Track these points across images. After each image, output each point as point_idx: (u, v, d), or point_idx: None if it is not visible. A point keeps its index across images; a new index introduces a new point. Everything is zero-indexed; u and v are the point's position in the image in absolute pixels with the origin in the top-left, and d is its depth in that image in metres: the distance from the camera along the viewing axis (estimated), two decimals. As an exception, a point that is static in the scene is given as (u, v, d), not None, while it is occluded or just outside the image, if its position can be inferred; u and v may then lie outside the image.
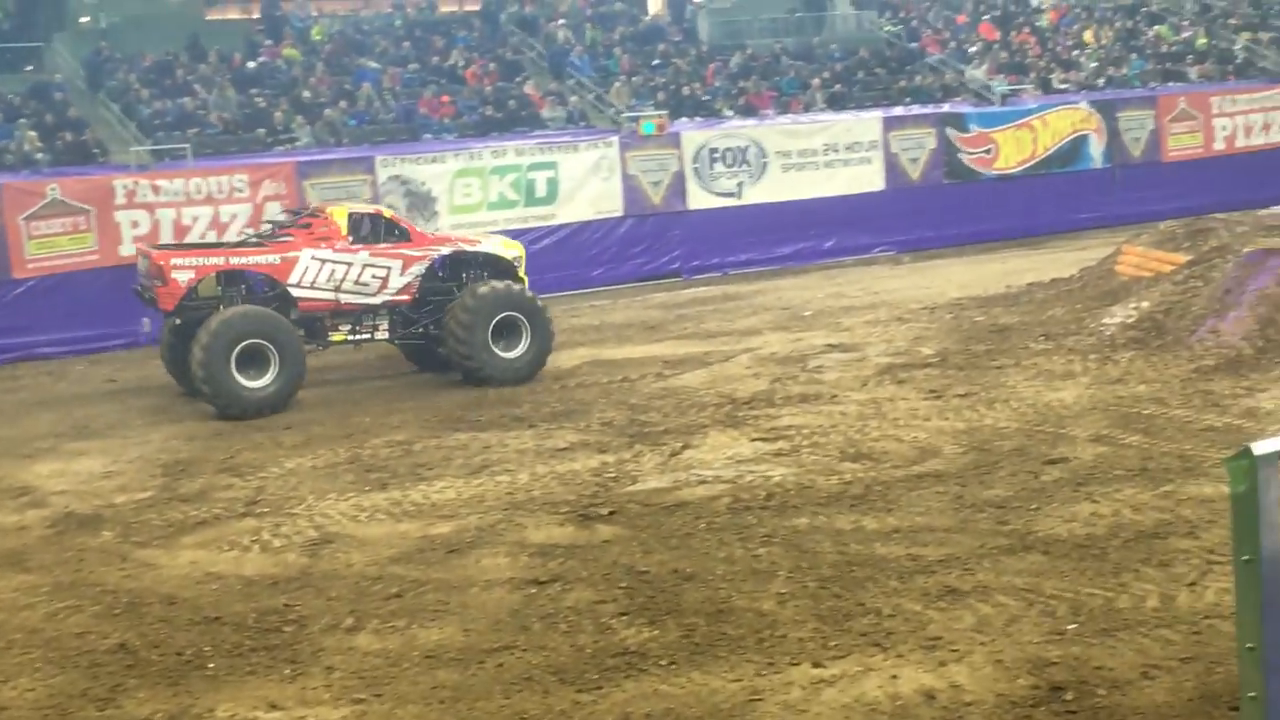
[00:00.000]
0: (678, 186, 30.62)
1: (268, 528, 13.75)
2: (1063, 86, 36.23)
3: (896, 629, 10.03)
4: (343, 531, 13.51)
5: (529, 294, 21.05)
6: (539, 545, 12.65)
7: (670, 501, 13.84)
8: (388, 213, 21.84)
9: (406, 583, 11.79)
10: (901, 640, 9.81)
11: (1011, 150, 34.07)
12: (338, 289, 20.32)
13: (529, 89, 32.52)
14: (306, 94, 30.95)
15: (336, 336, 20.72)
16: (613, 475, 15.03)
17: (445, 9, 38.77)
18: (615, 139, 30.22)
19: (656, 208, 30.53)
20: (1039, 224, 33.72)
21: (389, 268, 20.56)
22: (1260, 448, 3.51)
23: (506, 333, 20.52)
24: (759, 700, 8.97)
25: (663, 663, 9.67)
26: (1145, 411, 16.31)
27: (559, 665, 9.74)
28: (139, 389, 22.17)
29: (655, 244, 30.64)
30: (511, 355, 20.52)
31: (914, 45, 37.47)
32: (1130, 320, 20.85)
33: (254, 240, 21.77)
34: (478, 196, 28.53)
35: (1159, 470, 13.82)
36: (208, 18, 36.34)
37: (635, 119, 30.66)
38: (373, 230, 20.77)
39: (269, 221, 23.70)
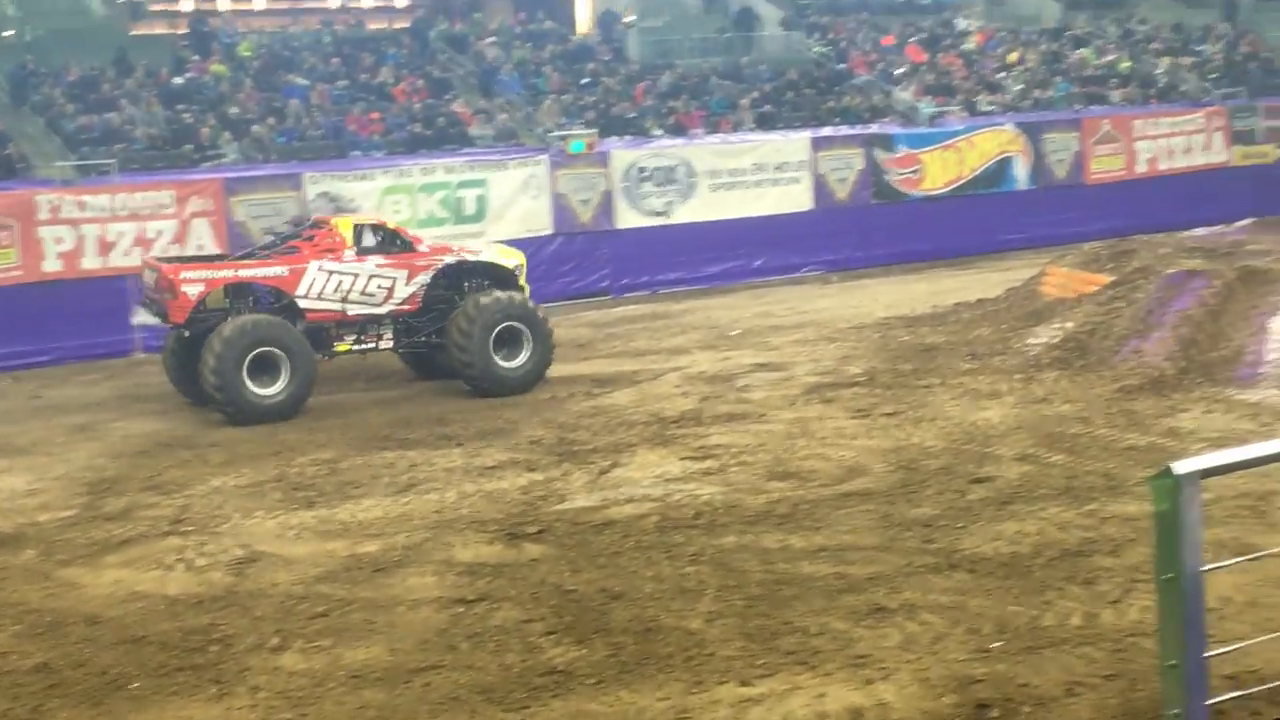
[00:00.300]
0: (607, 205, 30.65)
1: (193, 546, 13.63)
2: (989, 109, 36.56)
3: (823, 647, 10.05)
4: (268, 550, 13.41)
5: (530, 304, 21.33)
6: (466, 564, 12.61)
7: (598, 520, 13.83)
8: (391, 223, 22.22)
9: (333, 602, 11.71)
10: (828, 659, 9.83)
11: (938, 171, 34.32)
12: (345, 300, 20.63)
13: (458, 107, 32.48)
14: (234, 110, 30.77)
15: (342, 347, 21.03)
16: (541, 494, 15.01)
17: (374, 26, 38.68)
18: (544, 157, 30.21)
19: (585, 226, 30.54)
20: (965, 244, 33.94)
21: (394, 278, 20.87)
22: (1182, 467, 3.54)
23: (508, 342, 20.79)
24: (687, 719, 8.97)
25: (590, 682, 9.66)
26: (1070, 431, 16.46)
27: (486, 685, 9.70)
28: (64, 406, 21.96)
29: (584, 262, 30.63)
30: (513, 365, 20.81)
31: (842, 66, 37.69)
32: (1055, 340, 21.04)
33: (259, 252, 21.86)
34: (406, 214, 28.42)
35: (1083, 489, 13.94)
36: (134, 32, 36.02)
37: (564, 137, 30.66)
38: (377, 241, 21.13)
39: (271, 233, 23.84)
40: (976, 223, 34.34)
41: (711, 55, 37.02)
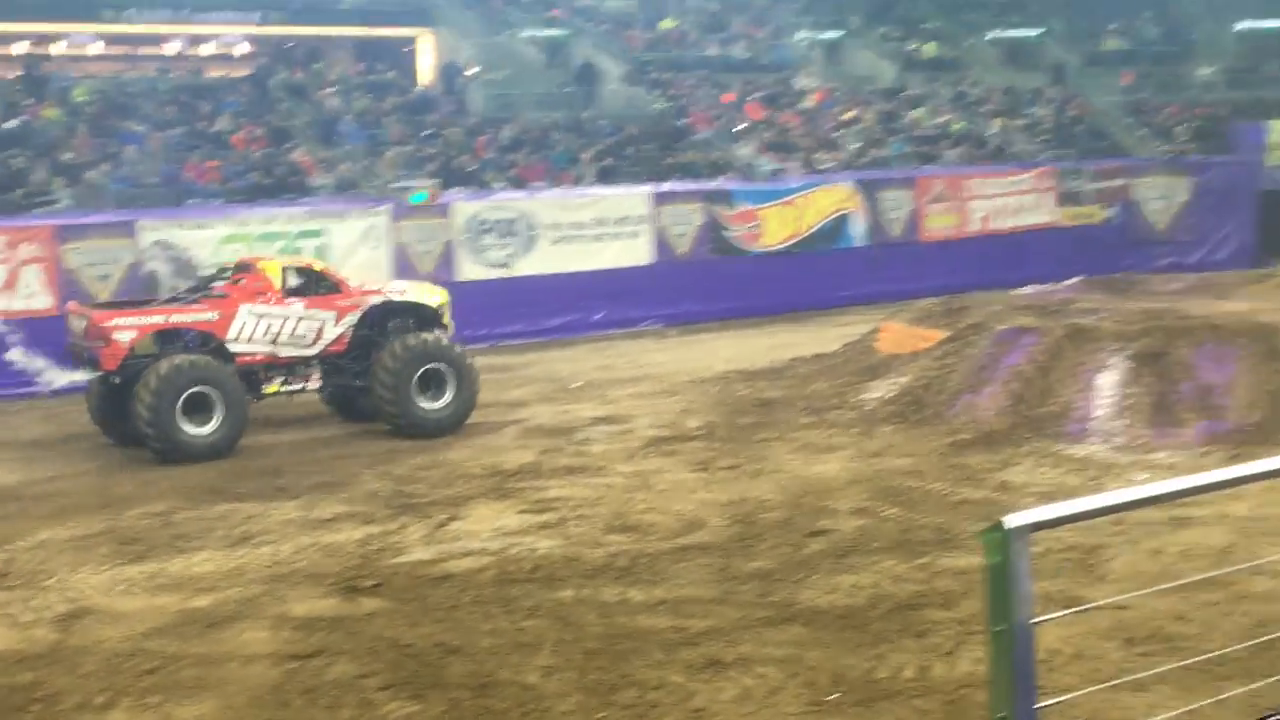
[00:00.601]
0: (447, 257, 30.51)
1: (16, 601, 13.28)
2: (826, 166, 37.05)
3: (661, 701, 10.06)
4: (96, 605, 13.11)
5: (454, 346, 21.51)
6: (301, 618, 12.43)
7: (436, 573, 13.73)
8: (318, 265, 22.58)
9: (163, 658, 11.47)
10: (665, 712, 9.84)
11: (776, 227, 34.68)
12: (275, 342, 20.80)
13: (298, 156, 32.20)
14: (68, 155, 30.20)
15: (270, 389, 21.09)
16: (377, 547, 14.86)
17: (213, 73, 38.26)
18: (385, 208, 30.03)
19: (426, 277, 30.35)
20: (803, 300, 34.28)
21: (324, 319, 21.08)
22: (1013, 520, 3.60)
23: (432, 384, 21.00)
24: (523, 774, 8.92)
25: (426, 737, 9.56)
26: (904, 484, 16.68)
27: (320, 741, 9.56)
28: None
29: (424, 314, 30.44)
30: (436, 406, 21.00)
31: (683, 122, 37.99)
32: (890, 395, 21.34)
33: (185, 297, 21.77)
34: (243, 263, 28.08)
35: (917, 542, 14.13)
36: (-36, 75, 35.28)
37: (405, 188, 30.51)
38: (305, 283, 21.23)
39: (198, 276, 23.69)
40: (814, 279, 34.72)
41: (553, 109, 37.12)
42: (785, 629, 11.60)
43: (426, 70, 40.39)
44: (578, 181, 33.70)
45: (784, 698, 10.06)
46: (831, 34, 45.89)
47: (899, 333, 24.24)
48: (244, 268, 21.73)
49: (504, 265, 31.22)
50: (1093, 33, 48.72)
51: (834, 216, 35.53)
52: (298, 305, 20.96)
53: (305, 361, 21.17)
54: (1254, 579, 12.21)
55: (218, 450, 19.75)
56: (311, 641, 11.74)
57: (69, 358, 21.01)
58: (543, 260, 31.57)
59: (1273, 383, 19.48)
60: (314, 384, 21.48)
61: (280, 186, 30.76)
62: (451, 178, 32.14)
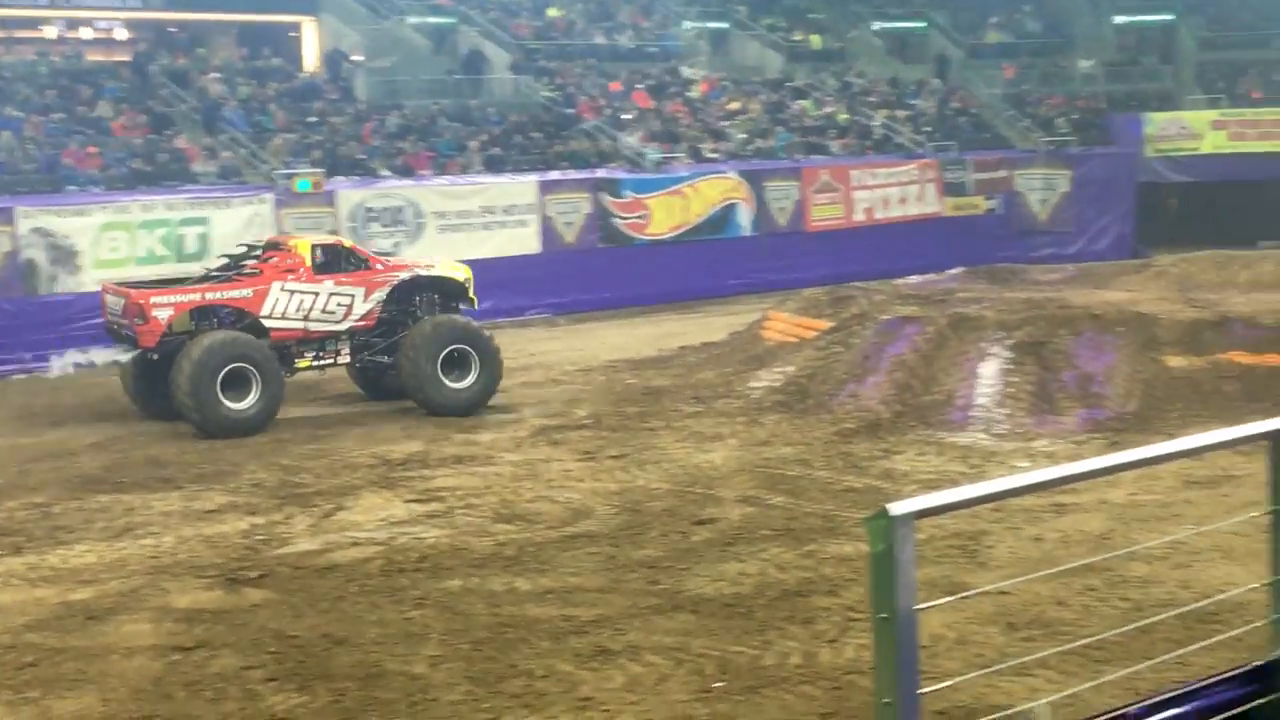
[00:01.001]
0: (333, 245, 30.26)
1: (-109, 595, 13.02)
2: (713, 156, 37.18)
3: (549, 690, 10.07)
4: (-27, 599, 12.88)
5: (479, 328, 22.03)
6: (184, 610, 12.30)
7: (321, 564, 13.64)
8: (347, 242, 23.18)
9: (42, 651, 11.31)
10: (553, 701, 9.85)
11: (664, 216, 34.77)
12: (306, 318, 21.34)
13: (181, 142, 31.78)
14: (-58, 141, 29.60)
15: (302, 363, 21.74)
16: (262, 537, 14.73)
17: (93, 58, 37.60)
18: (269, 196, 29.73)
19: (311, 266, 30.11)
20: (690, 289, 34.42)
21: (353, 295, 21.64)
22: (897, 508, 3.64)
23: (457, 364, 21.45)
24: (410, 765, 8.89)
25: (312, 729, 9.50)
26: (790, 473, 16.80)
27: (204, 734, 9.47)
28: None
29: (309, 303, 30.19)
30: (460, 386, 21.45)
31: (570, 111, 37.95)
32: (776, 384, 21.47)
33: (218, 275, 22.28)
34: (125, 251, 27.68)
35: (803, 530, 14.24)
36: None
37: (290, 176, 30.22)
38: (334, 260, 21.76)
39: (226, 255, 23.81)
40: (701, 268, 34.87)
41: (440, 97, 36.93)
42: (673, 617, 11.65)
43: (311, 57, 40.00)
44: (465, 170, 33.55)
45: (672, 685, 10.11)
46: (718, 24, 46.04)
47: (785, 322, 24.40)
48: (274, 245, 22.37)
49: (390, 254, 30.99)
50: (975, 26, 49.27)
51: (721, 206, 35.69)
52: (328, 282, 21.49)
53: (335, 337, 21.77)
54: (1131, 564, 12.44)
55: (256, 424, 20.28)
56: (194, 634, 11.62)
57: (107, 335, 22.06)
58: (430, 249, 31.34)
59: (1149, 371, 19.84)
60: (343, 359, 22.13)
61: (162, 173, 30.33)
62: (337, 165, 31.88)
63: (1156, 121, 43.64)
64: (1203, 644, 8.01)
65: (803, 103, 42.00)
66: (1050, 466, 4.30)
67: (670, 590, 12.41)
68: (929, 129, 41.67)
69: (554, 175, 33.75)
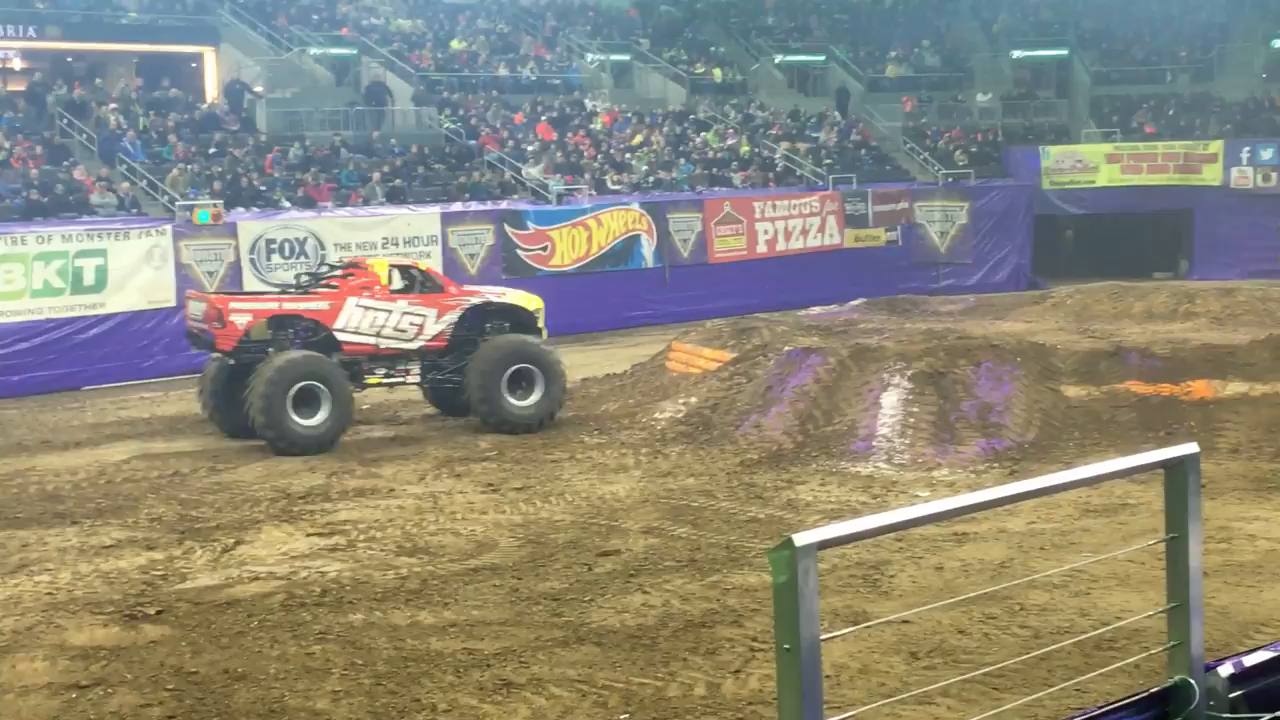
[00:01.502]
0: (234, 277, 30.02)
1: None
2: (616, 188, 37.28)
3: (452, 724, 10.00)
4: None
5: (544, 348, 22.75)
6: (80, 648, 12.10)
7: (222, 599, 13.48)
8: (422, 265, 24.41)
9: (-66, 691, 11.08)
10: (457, 735, 9.78)
11: (567, 248, 34.82)
12: (379, 334, 22.06)
13: (78, 174, 31.40)
14: None
15: (373, 379, 22.41)
16: (161, 573, 14.54)
17: (-12, 87, 37.14)
18: (169, 227, 29.45)
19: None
20: (594, 320, 34.44)
21: (425, 316, 22.36)
22: (800, 538, 3.66)
23: (521, 383, 22.08)
24: (312, 802, 8.80)
25: (212, 767, 9.38)
26: (694, 504, 16.83)
27: (101, 773, 9.32)
28: None
29: (209, 335, 29.88)
30: (524, 404, 22.03)
31: (473, 143, 37.92)
32: (680, 415, 21.52)
33: (296, 288, 23.21)
34: (20, 284, 27.31)
35: (706, 561, 14.26)
36: None
37: (190, 207, 29.96)
38: (409, 281, 22.71)
39: (306, 273, 24.86)
40: (604, 299, 34.92)
41: (342, 128, 36.77)
42: (577, 649, 11.62)
43: (212, 88, 39.70)
44: (367, 201, 33.41)
45: (576, 718, 10.08)
46: (620, 57, 46.21)
47: (688, 353, 24.48)
48: (354, 264, 23.40)
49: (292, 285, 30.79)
50: (874, 60, 49.78)
51: (624, 238, 35.78)
52: (402, 301, 22.25)
53: (406, 355, 22.38)
54: (1030, 592, 12.56)
55: (326, 440, 20.85)
56: (91, 671, 11.44)
57: (188, 340, 22.93)
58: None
59: (1047, 401, 20.08)
60: (413, 377, 22.71)
61: (58, 205, 29.95)
62: (238, 196, 31.65)
63: (1052, 155, 44.30)
64: (1101, 671, 8.12)
65: (705, 135, 42.23)
66: (951, 496, 4.35)
67: (574, 622, 12.38)
68: (830, 161, 42.02)
69: (457, 207, 33.70)
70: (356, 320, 21.88)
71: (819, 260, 38.79)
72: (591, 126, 41.02)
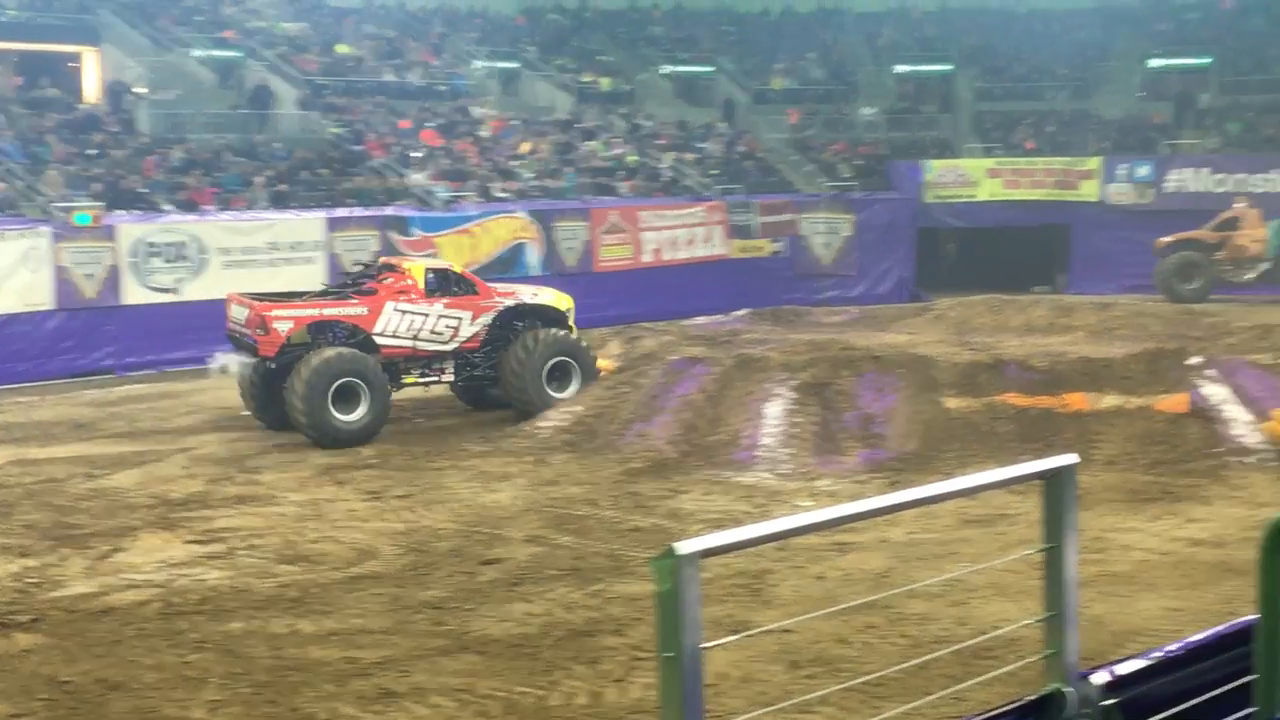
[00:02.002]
0: (113, 280, 29.60)
1: None
2: (502, 195, 37.19)
3: (332, 734, 9.92)
4: None
5: (580, 342, 23.75)
6: (-50, 657, 11.87)
7: (97, 607, 13.28)
8: (457, 267, 24.91)
9: None
10: (337, 745, 9.71)
11: (453, 255, 34.55)
12: (416, 337, 22.79)
13: (-48, 173, 30.83)
14: None
15: (409, 379, 23.15)
16: (35, 580, 14.29)
17: None
18: (46, 229, 28.96)
19: (90, 301, 29.39)
20: (478, 328, 34.33)
21: (460, 318, 23.11)
22: (683, 547, 3.67)
23: (559, 375, 22.94)
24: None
25: (85, 778, 9.23)
26: (577, 513, 16.83)
27: (-30, 785, 9.15)
28: None
29: (88, 339, 29.44)
30: (563, 395, 22.74)
31: (358, 148, 37.67)
32: (564, 424, 21.51)
33: (334, 293, 23.97)
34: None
35: (589, 570, 14.27)
36: None
37: (68, 209, 29.49)
38: (445, 284, 23.25)
39: (345, 274, 26.05)
40: (490, 307, 34.81)
41: (225, 131, 36.36)
42: (459, 658, 11.58)
43: (92, 88, 39.11)
44: (250, 205, 33.07)
45: (457, 727, 10.04)
46: (508, 64, 46.14)
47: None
48: (389, 267, 23.99)
49: (172, 290, 30.43)
50: (761, 71, 50.10)
51: (510, 245, 35.70)
52: (438, 304, 22.93)
53: (442, 356, 23.10)
54: (910, 602, 12.68)
55: (364, 435, 21.54)
56: (-38, 681, 11.22)
57: (229, 343, 23.59)
58: (214, 285, 30.80)
59: (928, 412, 20.30)
60: (448, 377, 23.46)
61: (-67, 204, 29.39)
62: (118, 199, 31.20)
63: (935, 168, 44.80)
64: (978, 679, 8.20)
65: (592, 144, 42.26)
66: (833, 505, 4.39)
67: (456, 631, 12.33)
68: (716, 172, 42.20)
69: (342, 212, 33.44)
70: (395, 324, 22.58)
71: (705, 270, 38.91)
72: (478, 133, 40.90)
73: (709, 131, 45.46)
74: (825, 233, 41.87)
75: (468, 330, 23.09)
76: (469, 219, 35.13)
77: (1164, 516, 16.24)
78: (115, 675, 11.28)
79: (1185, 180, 42.21)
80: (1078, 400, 20.43)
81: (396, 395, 22.85)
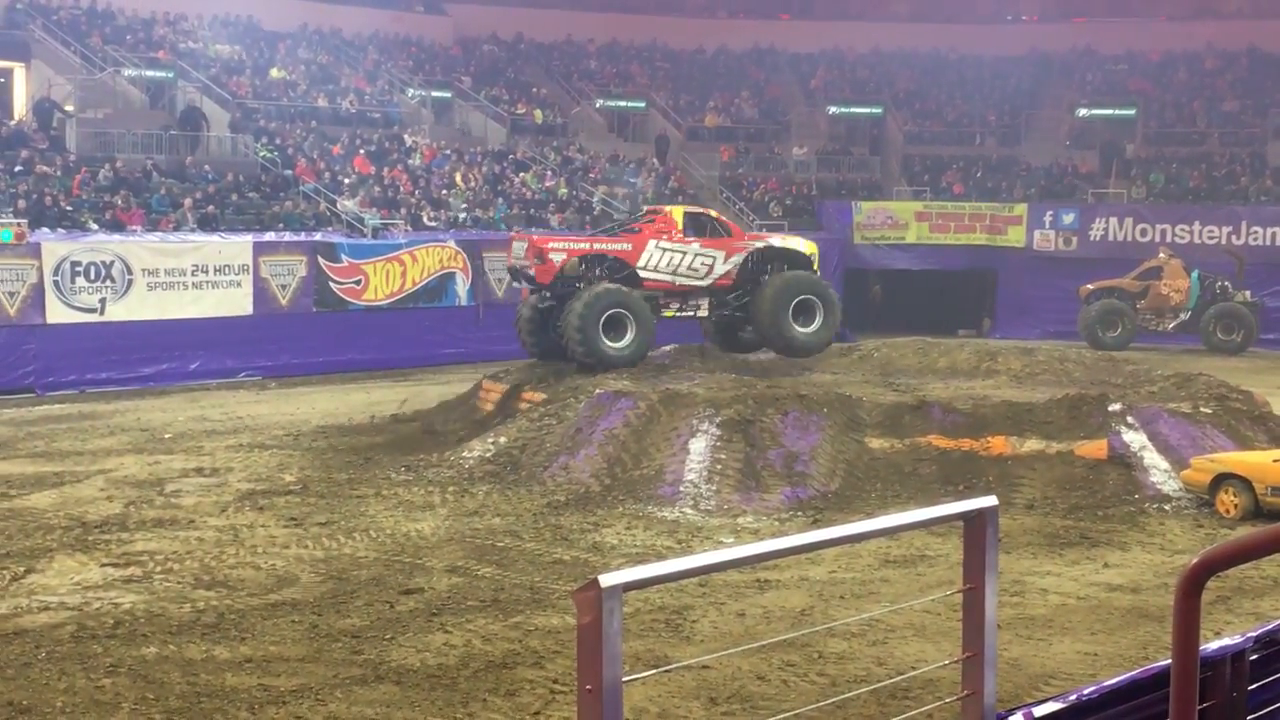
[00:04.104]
0: (36, 298, 29.29)
1: None
2: (432, 224, 37.11)
3: (245, 762, 9.83)
4: None
5: (823, 281, 26.70)
6: None
7: (8, 630, 13.11)
8: (714, 212, 27.93)
9: None
10: (250, 773, 9.61)
11: (381, 282, 34.55)
12: (675, 273, 25.44)
13: (-126, 185, 30.42)
14: None
15: (668, 312, 25.74)
16: (-54, 601, 14.09)
17: None
18: (-32, 245, 28.63)
19: (11, 319, 29.07)
20: (406, 356, 34.25)
21: (715, 256, 25.69)
22: (606, 580, 3.67)
23: (804, 313, 25.49)
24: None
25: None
26: (499, 544, 16.78)
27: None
28: None
29: (8, 357, 29.10)
30: (807, 331, 25.62)
31: (289, 172, 37.48)
32: (488, 454, 21.46)
33: (605, 231, 27.11)
34: None
35: (510, 601, 14.22)
36: None
37: (-8, 225, 29.17)
38: (701, 226, 26.04)
39: (612, 221, 29.49)
40: (417, 335, 34.75)
41: (155, 152, 36.08)
42: (375, 688, 11.50)
43: (21, 104, 38.74)
44: (178, 227, 32.82)
45: (372, 757, 9.97)
46: (441, 93, 46.09)
47: (498, 392, 24.43)
48: (653, 211, 27.13)
49: (96, 309, 30.15)
50: (694, 109, 50.33)
51: (438, 274, 35.63)
52: (695, 244, 25.53)
53: (697, 292, 25.76)
54: (829, 640, 12.72)
55: (630, 360, 24.22)
56: None
57: (510, 275, 27.11)
58: (138, 305, 30.63)
59: (852, 452, 20.41)
60: (702, 312, 26.21)
61: None
62: (43, 216, 30.89)
63: (864, 210, 45.13)
64: (896, 719, 8.24)
65: (524, 175, 42.27)
66: (755, 542, 4.40)
67: (374, 660, 12.25)
68: (647, 207, 42.24)
69: (270, 236, 33.28)
70: (656, 260, 25.16)
71: (634, 305, 38.96)
72: (410, 162, 40.81)
73: (641, 166, 45.59)
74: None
75: (721, 268, 25.64)
76: (398, 247, 35.04)
77: (1082, 561, 16.38)
78: (25, 699, 11.13)
79: (1109, 229, 42.76)
80: (1000, 444, 20.60)
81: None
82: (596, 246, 25.33)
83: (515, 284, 26.97)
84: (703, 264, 25.49)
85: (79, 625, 13.26)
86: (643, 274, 25.08)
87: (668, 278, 25.32)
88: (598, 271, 24.94)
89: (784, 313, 25.18)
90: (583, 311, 23.80)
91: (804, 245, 26.94)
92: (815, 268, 26.76)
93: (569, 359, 24.41)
